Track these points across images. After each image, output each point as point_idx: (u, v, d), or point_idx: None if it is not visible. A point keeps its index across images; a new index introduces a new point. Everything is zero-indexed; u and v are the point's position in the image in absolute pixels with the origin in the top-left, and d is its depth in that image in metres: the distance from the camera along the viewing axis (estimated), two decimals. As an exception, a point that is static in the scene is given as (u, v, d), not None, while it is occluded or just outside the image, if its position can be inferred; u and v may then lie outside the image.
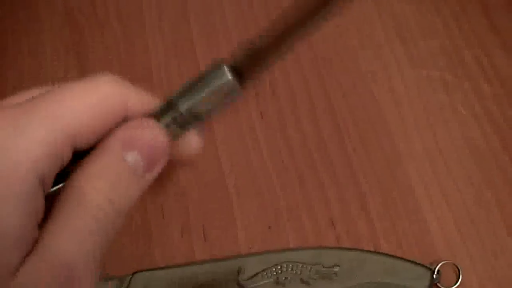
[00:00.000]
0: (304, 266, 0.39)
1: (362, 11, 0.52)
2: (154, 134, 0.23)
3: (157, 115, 0.24)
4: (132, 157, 0.23)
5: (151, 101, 0.25)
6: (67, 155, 0.22)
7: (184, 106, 0.24)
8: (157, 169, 0.24)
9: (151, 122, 0.24)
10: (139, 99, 0.24)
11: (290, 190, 0.44)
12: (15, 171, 0.20)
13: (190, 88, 0.24)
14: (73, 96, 0.22)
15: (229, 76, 0.23)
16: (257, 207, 0.43)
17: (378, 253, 0.40)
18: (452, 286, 0.39)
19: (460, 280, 0.39)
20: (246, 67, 0.24)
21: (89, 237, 0.21)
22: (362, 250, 0.40)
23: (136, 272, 0.40)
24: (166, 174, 0.25)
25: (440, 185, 0.43)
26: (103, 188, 0.22)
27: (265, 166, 0.45)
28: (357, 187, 0.44)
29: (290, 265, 0.39)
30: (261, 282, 0.38)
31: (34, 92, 0.24)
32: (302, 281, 0.38)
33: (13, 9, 0.54)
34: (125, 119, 0.24)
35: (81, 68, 0.51)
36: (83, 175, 0.22)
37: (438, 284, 0.39)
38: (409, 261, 0.39)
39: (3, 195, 0.20)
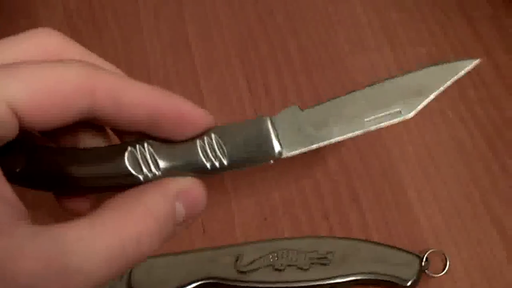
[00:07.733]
0: (300, 253, 0.40)
1: (352, 18, 0.54)
2: (203, 199, 0.25)
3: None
4: (179, 207, 0.24)
5: (124, 91, 0.23)
6: (12, 131, 0.21)
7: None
8: (188, 225, 0.26)
9: (202, 188, 0.26)
10: (111, 88, 0.23)
11: (285, 185, 0.46)
12: None
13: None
14: (27, 74, 0.21)
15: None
16: (254, 200, 0.45)
17: (370, 241, 0.42)
18: (440, 273, 0.41)
19: (447, 267, 0.41)
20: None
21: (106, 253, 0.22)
22: (354, 239, 0.42)
23: (138, 259, 0.41)
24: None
25: (428, 181, 0.45)
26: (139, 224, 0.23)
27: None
28: (349, 183, 0.46)
29: (286, 252, 0.40)
30: (259, 269, 0.40)
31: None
32: (298, 267, 0.40)
33: (13, 18, 0.56)
34: (90, 108, 0.23)
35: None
36: (124, 203, 0.23)
37: (426, 271, 0.40)
38: (398, 249, 0.41)
39: None
